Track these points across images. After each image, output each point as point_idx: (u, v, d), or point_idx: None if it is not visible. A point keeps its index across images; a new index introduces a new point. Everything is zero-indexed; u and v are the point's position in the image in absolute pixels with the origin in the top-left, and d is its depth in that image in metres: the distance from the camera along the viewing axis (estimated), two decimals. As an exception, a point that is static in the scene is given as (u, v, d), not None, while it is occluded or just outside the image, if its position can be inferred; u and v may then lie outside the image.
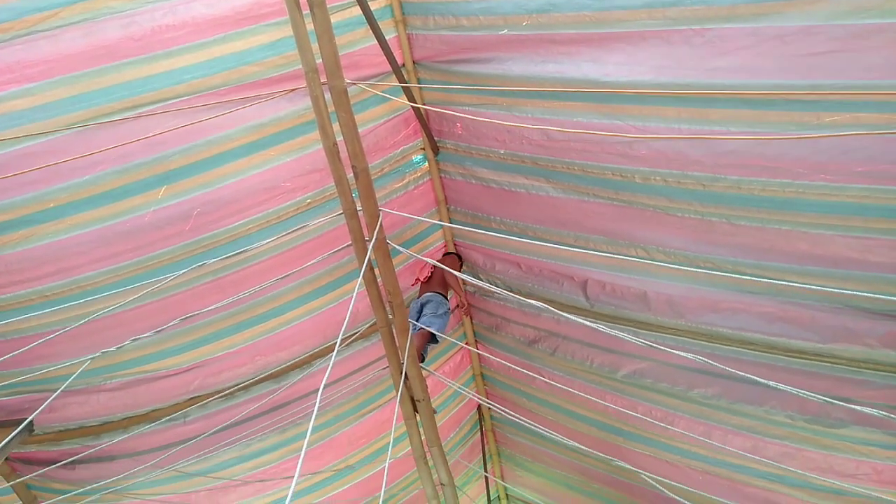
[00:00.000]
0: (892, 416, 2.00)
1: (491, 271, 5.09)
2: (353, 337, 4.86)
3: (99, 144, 3.14)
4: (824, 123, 2.77)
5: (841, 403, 2.09)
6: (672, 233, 3.63)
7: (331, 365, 2.37)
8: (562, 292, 4.59)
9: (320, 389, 2.13)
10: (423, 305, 4.74)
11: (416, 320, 4.69)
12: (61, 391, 2.68)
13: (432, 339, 4.57)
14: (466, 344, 5.66)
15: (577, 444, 3.98)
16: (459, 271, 5.33)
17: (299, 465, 1.96)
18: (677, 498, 4.80)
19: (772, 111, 2.84)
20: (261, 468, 4.90)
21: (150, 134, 3.19)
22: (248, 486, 4.94)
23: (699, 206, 3.39)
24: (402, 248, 3.27)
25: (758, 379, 2.18)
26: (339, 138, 2.88)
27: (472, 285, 5.42)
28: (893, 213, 2.84)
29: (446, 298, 4.89)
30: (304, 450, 2.03)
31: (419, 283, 5.12)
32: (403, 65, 4.14)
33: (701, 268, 3.68)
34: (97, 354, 2.69)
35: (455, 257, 5.27)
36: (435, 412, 4.16)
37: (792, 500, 4.14)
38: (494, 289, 3.29)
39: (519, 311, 5.22)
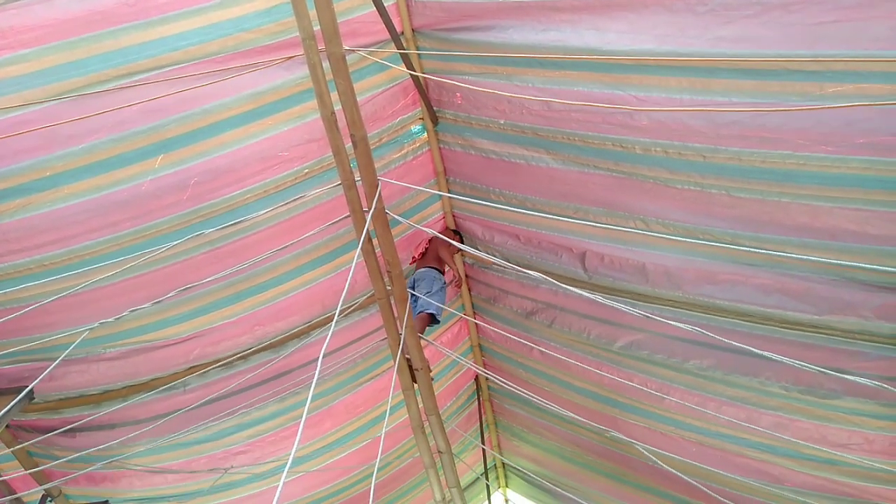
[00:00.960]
0: (886, 385, 2.02)
1: (490, 243, 5.08)
2: (352, 307, 4.87)
3: (95, 110, 3.10)
4: (827, 94, 2.75)
5: (835, 374, 2.11)
6: (671, 204, 3.62)
7: (329, 335, 2.38)
8: (560, 264, 4.60)
9: (320, 358, 2.14)
10: (414, 283, 4.76)
11: (413, 297, 4.72)
12: (61, 360, 2.69)
13: (432, 320, 4.60)
14: (464, 315, 5.67)
15: (572, 415, 4.01)
16: (459, 251, 5.35)
17: (299, 433, 1.98)
18: (670, 469, 4.90)
19: (774, 81, 2.81)
20: (260, 436, 4.95)
21: (145, 99, 3.14)
22: (247, 453, 5.00)
23: (699, 177, 3.37)
24: (400, 218, 3.26)
25: (753, 349, 2.20)
26: (337, 107, 2.86)
27: (471, 256, 5.42)
28: (894, 186, 2.83)
29: (441, 273, 4.90)
30: (303, 417, 2.04)
31: (415, 261, 5.13)
32: (402, 33, 4.08)
33: (700, 240, 3.68)
34: (96, 325, 2.70)
35: (453, 234, 5.27)
36: (432, 379, 4.21)
37: (784, 469, 4.21)
38: (493, 259, 3.30)
39: (517, 282, 5.23)
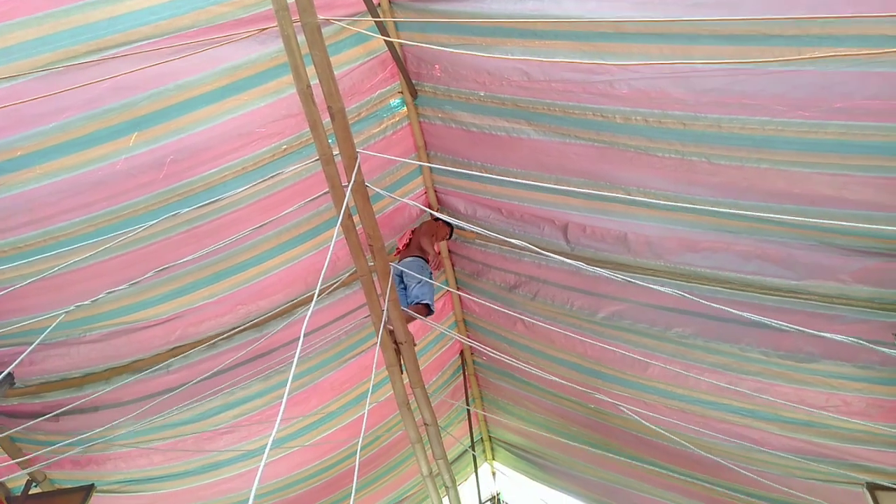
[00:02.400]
0: (863, 342, 2.05)
1: (472, 217, 5.07)
2: (335, 285, 4.85)
3: (65, 89, 3.03)
4: (805, 59, 2.75)
5: (814, 332, 2.13)
6: (652, 173, 3.63)
7: (309, 314, 2.36)
8: (542, 236, 4.61)
9: (301, 337, 2.12)
10: (400, 277, 4.74)
11: (402, 286, 4.72)
12: (37, 344, 2.64)
13: (427, 311, 4.61)
14: (448, 288, 5.67)
15: (558, 380, 4.03)
16: (449, 238, 5.33)
17: (281, 412, 1.97)
18: (652, 427, 4.98)
19: (754, 47, 2.80)
20: (246, 415, 4.95)
21: (116, 74, 3.06)
22: (234, 432, 4.99)
23: (679, 145, 3.38)
24: (380, 190, 3.22)
25: (732, 310, 2.23)
26: (315, 82, 2.81)
27: (455, 231, 5.40)
28: (870, 150, 2.86)
29: (426, 261, 4.89)
30: (285, 397, 2.03)
31: (399, 252, 5.10)
32: (379, 4, 4.00)
33: (681, 208, 3.70)
34: (71, 308, 2.65)
35: (444, 224, 5.24)
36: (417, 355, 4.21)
37: (765, 433, 4.30)
38: (478, 230, 3.30)
39: (500, 256, 5.24)
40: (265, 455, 1.77)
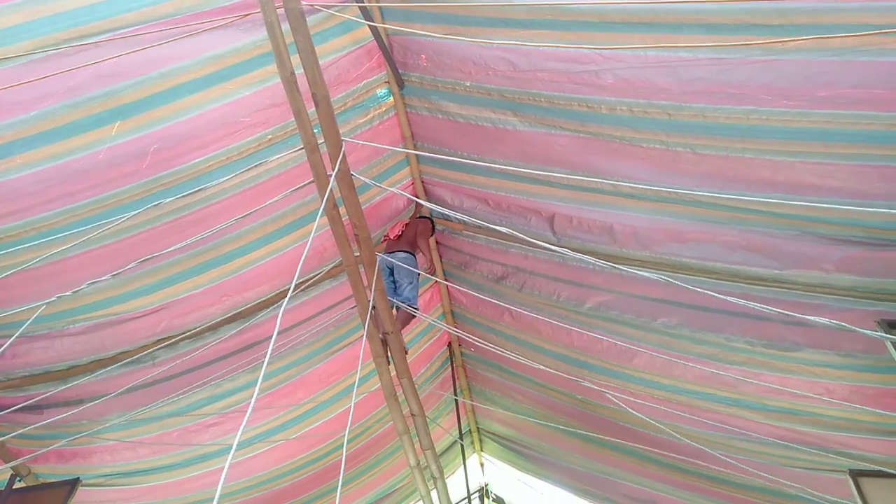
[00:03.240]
0: (844, 324, 2.06)
1: (459, 208, 5.06)
2: (320, 276, 4.83)
3: (46, 78, 2.99)
4: (789, 48, 2.76)
5: (799, 316, 2.15)
6: (638, 164, 3.63)
7: (284, 304, 2.35)
8: (529, 227, 4.61)
9: (275, 333, 2.11)
10: (392, 270, 4.71)
11: (391, 279, 4.70)
12: (18, 336, 2.61)
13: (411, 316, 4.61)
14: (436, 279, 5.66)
15: (544, 368, 4.04)
16: (432, 235, 5.31)
17: (250, 407, 1.95)
18: (638, 428, 5.01)
19: (738, 36, 2.81)
20: (233, 407, 4.93)
21: (98, 60, 3.02)
22: (221, 424, 4.97)
23: (664, 135, 3.38)
24: (366, 179, 3.21)
25: (717, 296, 2.22)
26: (299, 71, 2.79)
27: (441, 223, 5.40)
28: (853, 138, 2.88)
29: (415, 256, 4.87)
30: (256, 388, 2.02)
31: (387, 240, 5.07)
32: (364, -8, 3.98)
33: (666, 199, 3.71)
34: (52, 299, 2.62)
35: (428, 221, 5.22)
36: (406, 350, 4.21)
37: (749, 422, 4.33)
38: (466, 219, 3.29)
39: (487, 247, 5.24)
40: (230, 455, 1.75)
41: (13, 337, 2.68)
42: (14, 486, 4.71)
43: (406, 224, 5.12)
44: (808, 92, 2.84)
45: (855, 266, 3.39)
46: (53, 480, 4.84)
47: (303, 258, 2.43)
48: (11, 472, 4.73)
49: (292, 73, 2.70)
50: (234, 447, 1.76)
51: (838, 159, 2.97)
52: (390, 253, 4.73)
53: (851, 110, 2.80)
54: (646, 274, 2.24)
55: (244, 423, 1.85)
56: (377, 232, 5.26)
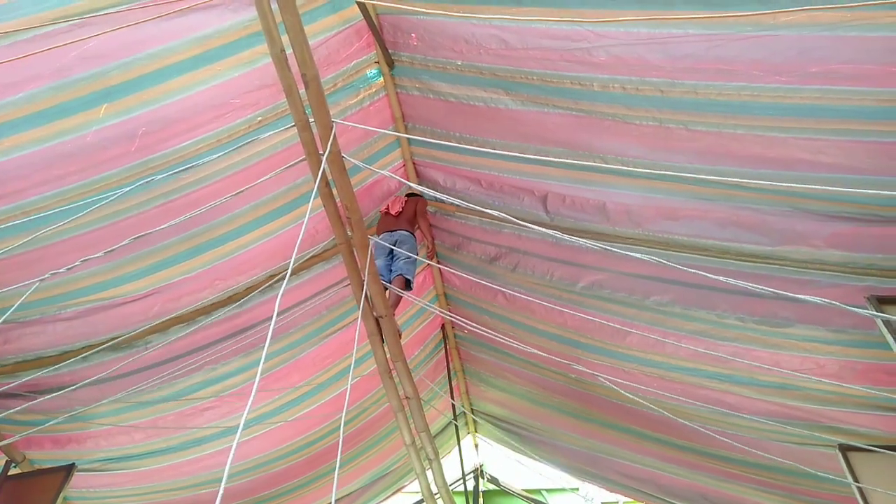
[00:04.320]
0: (835, 302, 2.08)
1: (451, 189, 5.05)
2: (314, 259, 4.83)
3: (33, 58, 2.94)
4: (780, 23, 2.75)
5: (790, 294, 2.17)
6: (630, 141, 3.63)
7: (284, 285, 2.34)
8: (522, 207, 4.61)
9: (274, 315, 2.11)
10: (395, 242, 4.71)
11: (390, 258, 4.70)
12: (11, 313, 2.60)
13: (406, 285, 4.61)
14: (430, 263, 5.66)
15: (538, 352, 4.06)
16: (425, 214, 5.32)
17: (255, 388, 1.95)
18: (632, 406, 5.05)
19: (730, 11, 2.80)
20: (228, 391, 4.93)
21: (84, 38, 2.97)
22: (216, 408, 4.98)
23: (657, 112, 3.38)
24: (357, 162, 3.20)
25: (709, 275, 2.24)
26: (289, 51, 2.76)
27: (434, 205, 5.38)
28: (844, 114, 2.88)
29: (414, 236, 4.88)
30: (258, 374, 2.02)
31: (386, 214, 5.06)
32: (352, -31, 3.94)
33: (659, 177, 3.71)
34: (46, 276, 2.61)
35: (423, 200, 5.21)
36: (399, 333, 4.22)
37: (741, 398, 4.38)
38: (459, 203, 3.29)
39: (480, 228, 5.23)
40: (237, 436, 1.76)
41: (8, 313, 2.67)
42: (9, 473, 4.71)
43: (405, 200, 5.11)
44: (799, 67, 2.83)
45: (845, 241, 3.41)
46: (49, 466, 4.84)
47: (300, 237, 2.43)
48: (6, 458, 4.73)
49: (282, 51, 2.67)
50: (240, 427, 1.77)
51: (829, 135, 2.98)
52: (390, 231, 4.73)
53: (842, 86, 2.80)
54: (637, 255, 2.25)
55: (249, 404, 1.86)
56: (370, 214, 5.24)
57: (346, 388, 2.70)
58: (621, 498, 7.77)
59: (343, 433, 2.79)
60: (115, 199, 3.11)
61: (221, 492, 1.57)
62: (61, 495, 4.53)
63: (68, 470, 4.69)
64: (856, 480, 3.86)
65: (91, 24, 3.04)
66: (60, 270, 2.67)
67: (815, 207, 3.37)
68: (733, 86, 3.03)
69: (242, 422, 1.85)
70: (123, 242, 2.78)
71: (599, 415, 5.93)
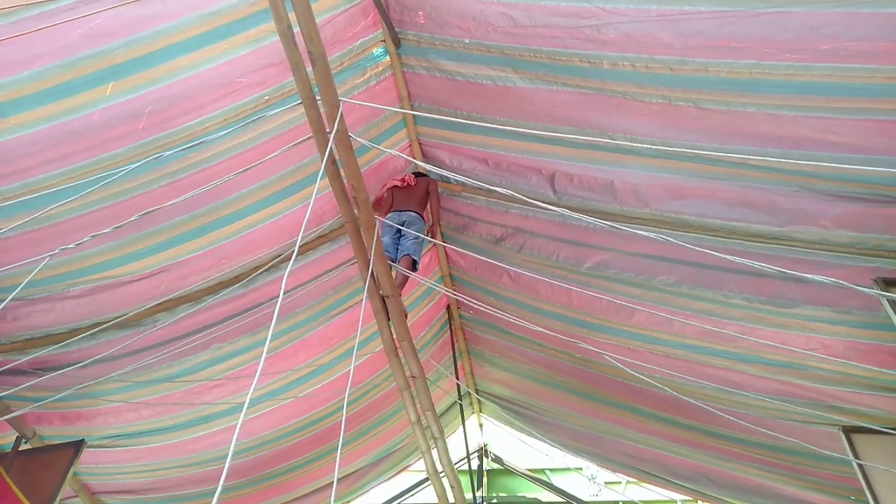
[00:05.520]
0: (843, 282, 2.08)
1: (458, 169, 5.03)
2: (321, 238, 4.84)
3: (38, 36, 2.93)
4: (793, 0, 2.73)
5: (798, 274, 2.17)
6: (639, 119, 3.61)
7: (290, 264, 2.36)
8: (529, 187, 4.59)
9: (280, 294, 2.13)
10: (404, 223, 4.71)
11: (397, 236, 4.71)
12: (19, 291, 2.62)
13: (413, 266, 4.63)
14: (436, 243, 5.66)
15: (544, 330, 4.08)
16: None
17: (259, 369, 1.98)
18: (638, 385, 5.06)
19: (742, -13, 2.77)
20: (234, 369, 4.98)
21: (89, 13, 2.96)
22: (223, 386, 5.03)
23: (666, 90, 3.35)
24: (365, 142, 3.19)
25: (716, 254, 2.24)
26: (296, 29, 2.75)
27: (440, 185, 5.37)
28: (854, 92, 2.87)
29: (423, 218, 4.87)
30: (264, 354, 2.04)
31: (395, 188, 5.05)
32: (358, -55, 3.90)
33: (667, 155, 3.70)
34: (56, 251, 2.62)
35: (434, 181, 5.20)
36: (405, 314, 4.23)
37: (746, 376, 4.40)
38: (468, 181, 3.29)
39: (486, 209, 5.23)
40: (242, 413, 1.79)
41: (13, 293, 2.69)
42: (20, 448, 4.78)
43: (418, 181, 5.09)
44: (810, 45, 2.81)
45: (854, 222, 3.40)
46: (59, 442, 4.90)
47: (307, 216, 2.44)
48: (17, 433, 4.79)
49: (289, 27, 2.66)
50: (245, 405, 1.79)
51: (839, 113, 2.96)
52: (399, 211, 4.73)
53: (853, 63, 2.78)
54: (644, 233, 2.25)
55: (254, 384, 1.88)
56: (372, 187, 5.23)
57: (350, 368, 2.71)
58: (624, 478, 7.84)
59: (347, 412, 2.81)
60: (123, 176, 3.11)
61: (227, 468, 1.59)
62: (71, 471, 4.61)
63: (78, 446, 4.76)
64: (858, 459, 3.89)
65: (97, 0, 3.02)
66: (70, 246, 2.68)
67: (824, 187, 3.36)
68: (744, 63, 3.01)
69: (247, 401, 1.88)
70: (132, 218, 2.80)
71: (604, 394, 5.96)
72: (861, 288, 2.21)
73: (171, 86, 3.51)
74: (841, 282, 2.14)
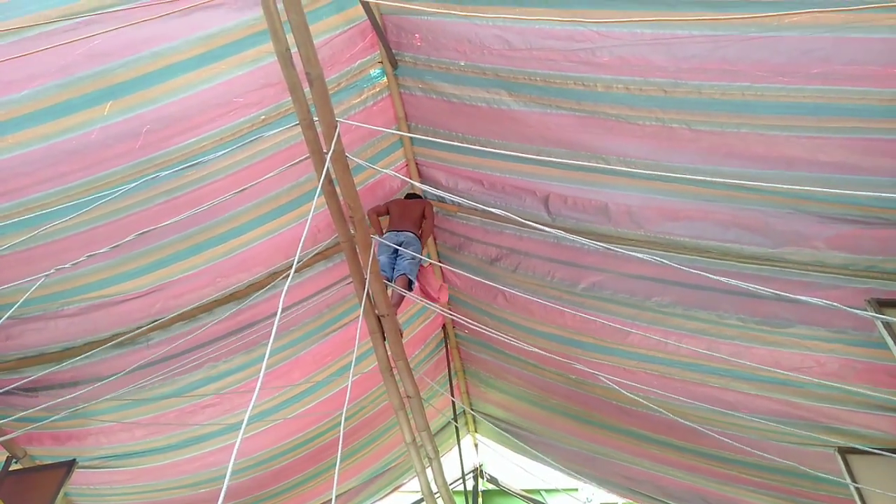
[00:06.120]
0: (837, 304, 2.10)
1: (453, 190, 5.05)
2: (316, 256, 4.84)
3: (38, 56, 2.95)
4: (785, 24, 2.77)
5: (791, 296, 2.18)
6: (633, 142, 3.64)
7: (288, 282, 2.35)
8: (524, 208, 4.62)
9: (279, 312, 2.12)
10: (402, 244, 4.71)
11: (394, 255, 4.71)
12: (15, 309, 2.61)
13: (409, 285, 4.63)
14: (431, 263, 5.67)
15: (538, 351, 4.07)
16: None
17: (258, 385, 1.97)
18: (632, 407, 5.04)
19: (734, 12, 2.81)
20: (229, 388, 4.94)
21: (89, 35, 2.99)
22: (217, 405, 4.99)
23: (660, 112, 3.39)
24: (362, 162, 3.21)
25: (709, 275, 2.27)
26: (294, 50, 2.77)
27: (436, 204, 5.39)
28: (843, 112, 2.93)
29: (419, 239, 4.88)
30: (262, 371, 2.03)
31: (393, 203, 5.06)
32: (357, -31, 3.95)
33: (661, 178, 3.73)
34: (51, 271, 2.62)
35: (430, 203, 5.21)
36: (401, 332, 4.23)
37: (741, 395, 4.39)
38: (464, 202, 3.31)
39: (482, 229, 5.24)
40: (241, 432, 1.79)
41: (7, 314, 2.68)
42: (10, 468, 4.72)
43: (414, 202, 5.09)
44: (802, 68, 2.87)
45: (847, 243, 3.43)
46: (50, 462, 4.85)
47: (304, 235, 2.45)
48: (8, 454, 4.74)
49: (287, 49, 2.68)
50: (244, 423, 1.79)
51: (830, 132, 3.02)
52: (396, 231, 4.74)
53: (844, 86, 2.84)
54: (639, 255, 2.27)
55: (253, 400, 1.88)
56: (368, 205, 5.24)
57: (347, 385, 2.70)
58: (620, 499, 7.77)
59: (343, 430, 2.79)
60: (119, 195, 3.11)
61: (225, 488, 1.59)
62: (62, 491, 4.55)
63: (69, 466, 4.71)
64: (854, 481, 3.87)
65: (96, 22, 3.05)
66: (65, 266, 2.69)
67: (818, 209, 3.39)
68: (737, 86, 3.06)
69: (246, 418, 1.87)
70: (128, 238, 2.79)
71: (599, 417, 5.93)
72: (855, 310, 2.22)
73: (169, 105, 3.54)
74: (834, 304, 2.15)
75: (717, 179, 3.10)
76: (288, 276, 2.40)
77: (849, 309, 2.20)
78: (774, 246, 3.65)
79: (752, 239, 3.69)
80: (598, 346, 5.05)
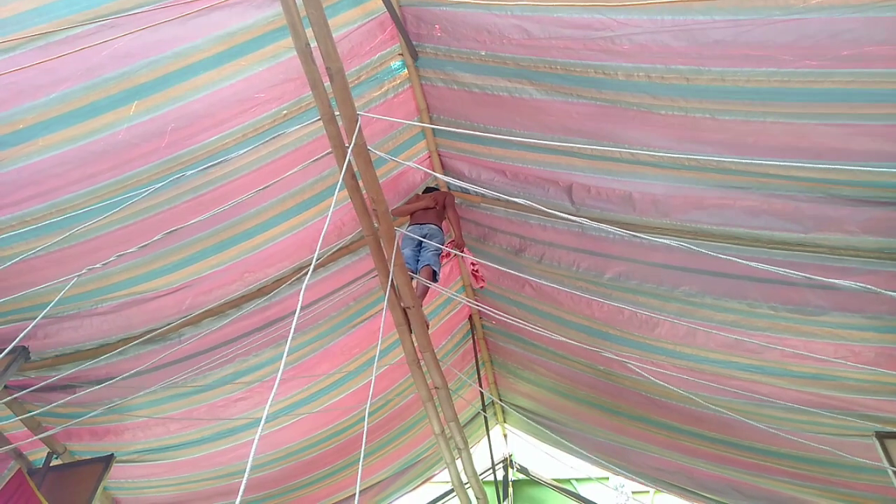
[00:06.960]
0: (871, 287, 2.04)
1: (476, 181, 5.04)
2: (341, 251, 4.88)
3: (64, 59, 3.03)
4: (811, 6, 2.69)
5: (823, 279, 2.13)
6: (656, 131, 3.58)
7: (307, 278, 2.37)
8: (547, 198, 4.58)
9: (298, 306, 2.15)
10: (425, 236, 4.72)
11: (418, 247, 4.73)
12: (50, 308, 2.69)
13: (434, 277, 4.64)
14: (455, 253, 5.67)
15: (566, 339, 4.04)
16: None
17: (277, 381, 2.00)
18: (661, 398, 4.99)
19: (758, -6, 2.74)
20: (259, 382, 5.02)
21: (112, 38, 3.04)
22: (248, 398, 5.08)
23: (683, 101, 3.32)
24: (383, 154, 3.22)
25: (739, 261, 2.21)
26: (313, 44, 2.79)
27: (459, 195, 5.38)
28: (877, 98, 2.80)
29: (442, 230, 4.89)
30: (281, 367, 2.05)
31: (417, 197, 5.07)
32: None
33: (686, 166, 3.66)
34: (84, 271, 2.68)
35: (451, 194, 5.21)
36: (427, 324, 4.24)
37: (774, 388, 4.30)
38: (487, 192, 3.30)
39: (506, 219, 5.23)
40: (260, 427, 1.82)
41: (44, 311, 2.77)
42: (52, 464, 4.87)
43: (437, 198, 5.08)
44: (831, 51, 2.75)
45: (880, 227, 3.32)
46: (89, 457, 4.99)
47: (324, 230, 2.46)
48: (49, 450, 4.89)
49: (307, 45, 2.70)
50: (263, 419, 1.81)
51: (862, 119, 2.89)
52: (419, 224, 4.76)
53: (876, 68, 2.72)
54: (666, 241, 2.24)
55: (272, 395, 1.90)
56: (396, 205, 5.27)
57: (373, 374, 2.73)
58: (652, 488, 7.73)
59: (369, 422, 2.82)
60: (147, 195, 3.16)
61: (245, 481, 1.62)
62: (101, 485, 4.69)
63: (107, 461, 4.85)
64: (893, 467, 3.79)
65: (119, 24, 3.10)
66: (96, 266, 2.75)
67: (849, 193, 3.29)
68: (762, 71, 2.96)
69: (265, 414, 1.90)
70: (156, 237, 2.85)
71: (628, 408, 5.89)
72: (892, 293, 2.16)
73: (192, 103, 3.59)
74: (870, 287, 2.10)
75: (744, 163, 3.00)
76: (318, 268, 2.43)
77: (885, 292, 2.14)
78: (805, 231, 3.56)
79: (783, 225, 3.60)
80: (625, 339, 5.01)
